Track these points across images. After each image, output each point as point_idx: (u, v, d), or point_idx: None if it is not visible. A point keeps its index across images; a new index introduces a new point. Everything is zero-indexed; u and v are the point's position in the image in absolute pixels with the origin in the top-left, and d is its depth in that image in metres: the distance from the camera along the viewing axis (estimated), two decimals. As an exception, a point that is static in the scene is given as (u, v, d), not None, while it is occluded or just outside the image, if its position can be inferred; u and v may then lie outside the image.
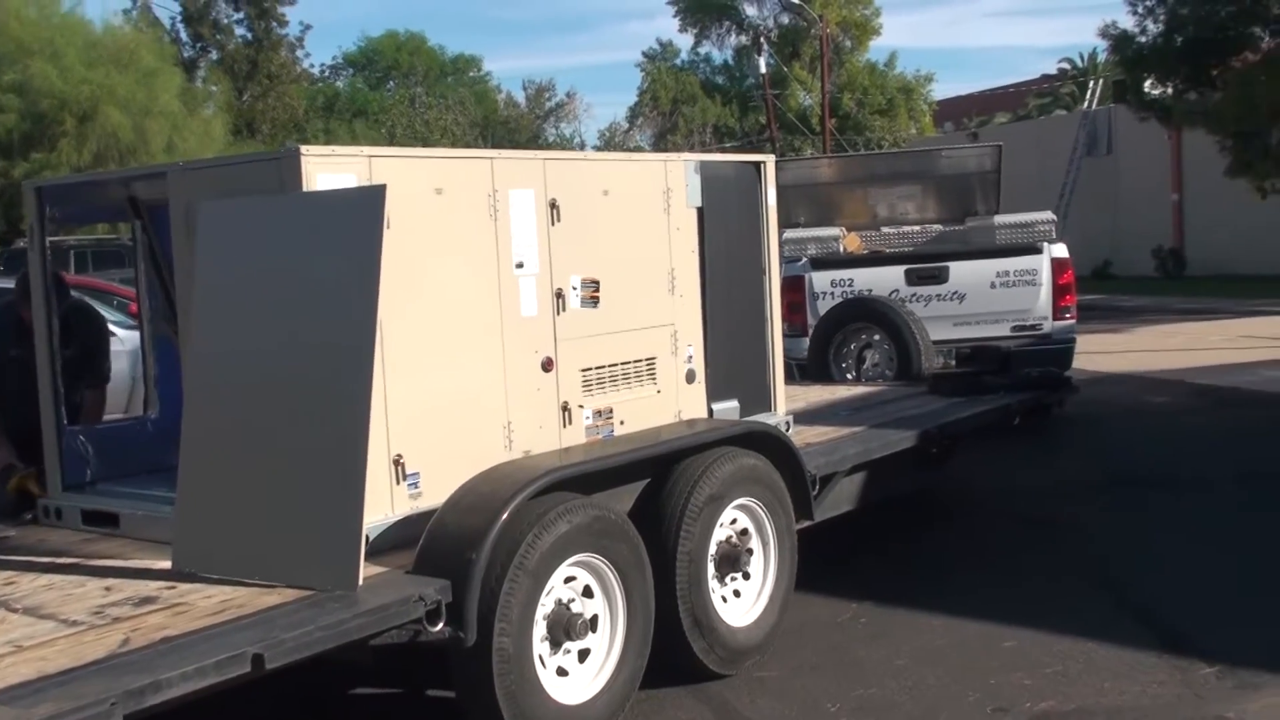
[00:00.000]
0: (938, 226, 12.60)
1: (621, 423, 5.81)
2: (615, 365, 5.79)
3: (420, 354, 4.91)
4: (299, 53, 67.23)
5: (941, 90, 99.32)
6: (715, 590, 5.44)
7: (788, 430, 6.72)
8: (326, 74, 76.50)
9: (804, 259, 10.69)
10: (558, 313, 5.49)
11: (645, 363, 5.96)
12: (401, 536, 4.68)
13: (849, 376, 9.62)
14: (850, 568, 6.87)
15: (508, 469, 4.83)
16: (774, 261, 6.71)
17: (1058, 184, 37.18)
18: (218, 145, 41.67)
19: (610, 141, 74.36)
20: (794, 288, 10.54)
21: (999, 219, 11.03)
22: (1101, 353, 16.21)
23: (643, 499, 5.37)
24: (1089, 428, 10.97)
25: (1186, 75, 24.42)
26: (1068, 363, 10.61)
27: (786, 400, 8.24)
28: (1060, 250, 10.54)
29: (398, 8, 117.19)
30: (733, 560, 5.49)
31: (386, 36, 76.14)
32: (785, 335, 10.62)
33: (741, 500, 5.55)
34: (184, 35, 61.71)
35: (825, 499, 6.31)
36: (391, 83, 75.04)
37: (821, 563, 6.78)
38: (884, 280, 10.43)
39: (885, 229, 12.76)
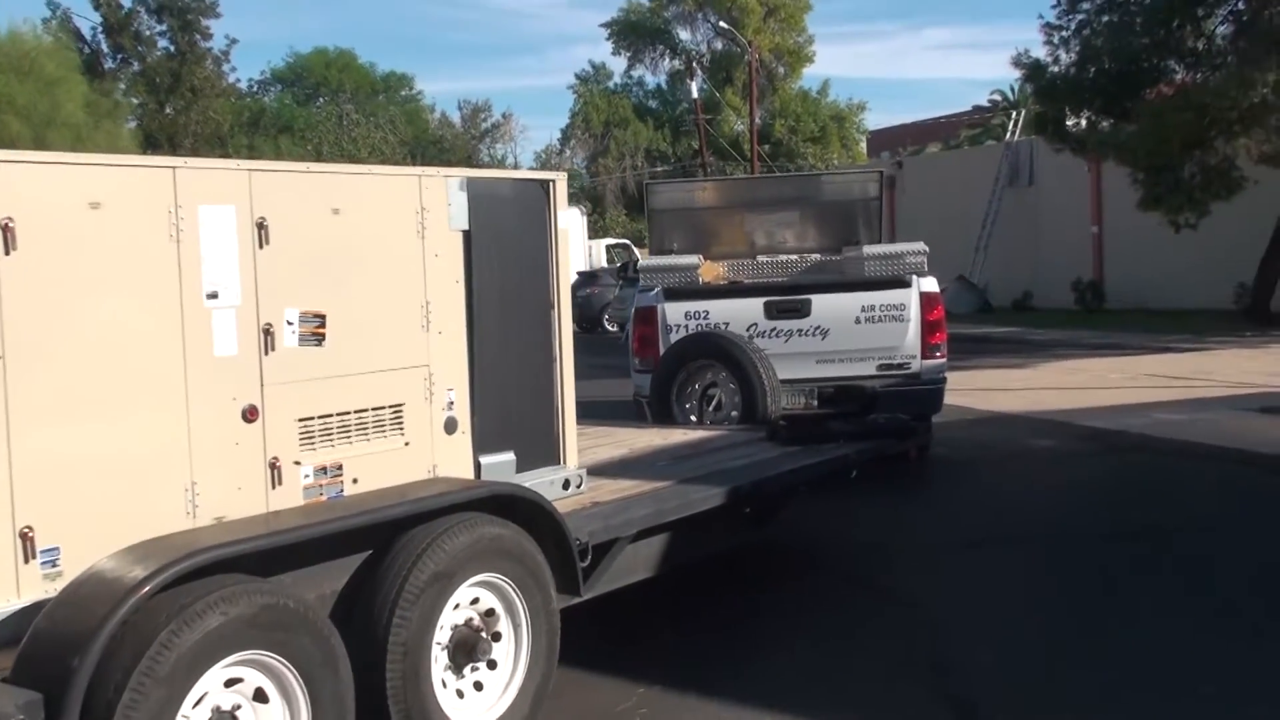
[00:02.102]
0: (816, 256, 11.86)
1: (355, 481, 4.95)
2: (347, 414, 4.93)
3: (65, 402, 4.03)
4: (225, 67, 66.11)
5: (878, 120, 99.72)
6: (448, 684, 4.59)
7: (577, 486, 5.90)
8: (255, 89, 75.24)
9: (657, 289, 9.89)
10: (265, 352, 4.63)
11: (389, 410, 5.11)
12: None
13: (693, 418, 8.83)
14: (646, 644, 6.04)
15: (152, 547, 3.94)
16: (564, 293, 5.89)
17: (980, 214, 36.87)
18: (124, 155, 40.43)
19: (545, 163, 73.70)
20: (645, 320, 9.74)
21: (867, 249, 10.30)
22: (999, 390, 15.58)
23: (358, 578, 4.51)
24: (959, 475, 10.25)
25: (1100, 107, 24.00)
26: (937, 405, 9.89)
27: (615, 446, 7.49)
28: (930, 284, 9.81)
29: (329, 25, 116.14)
30: (470, 648, 4.64)
31: (316, 53, 74.98)
32: (637, 370, 9.91)
33: (484, 577, 4.71)
34: (104, 46, 60.42)
35: (606, 569, 5.48)
36: (320, 99, 73.86)
37: (617, 635, 5.98)
38: (742, 313, 9.65)
39: (761, 258, 12.00)
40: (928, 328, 9.67)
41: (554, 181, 5.87)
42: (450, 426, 5.36)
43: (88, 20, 56.35)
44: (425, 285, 5.25)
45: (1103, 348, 21.51)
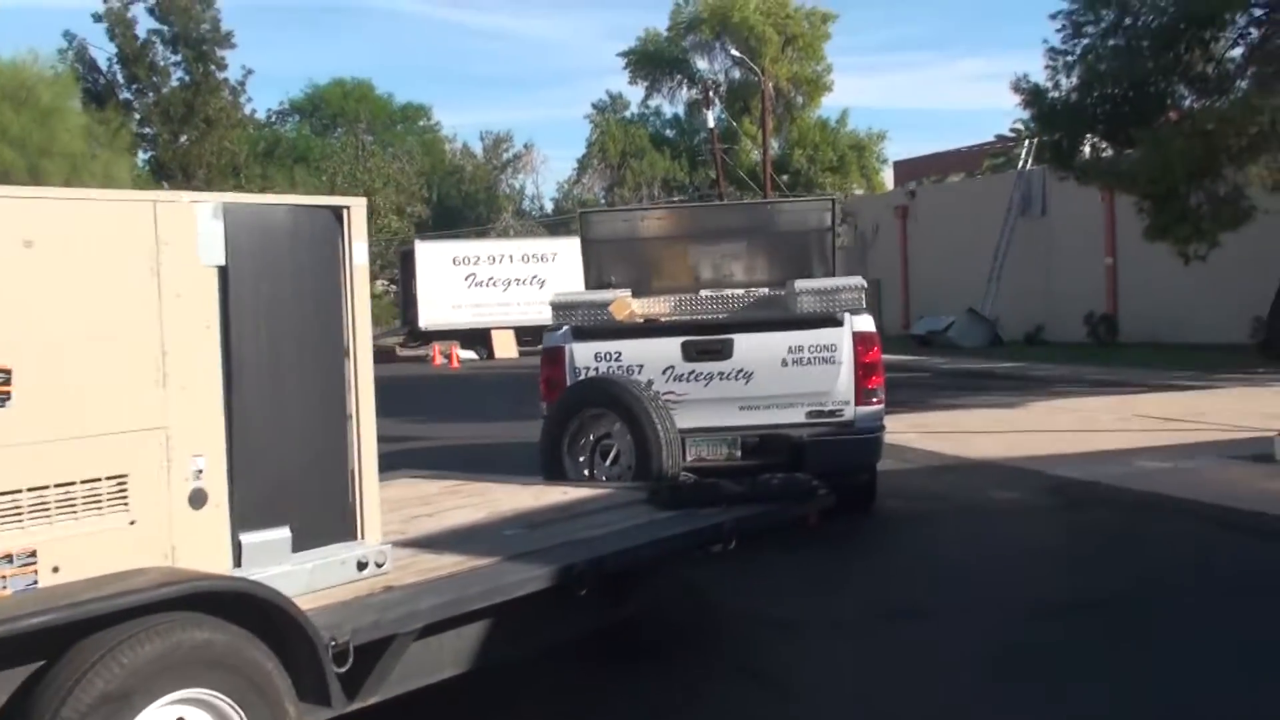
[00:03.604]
0: (764, 291, 10.99)
1: (55, 570, 4.08)
2: (40, 489, 4.07)
3: None
4: (241, 98, 65.97)
5: (907, 149, 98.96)
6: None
7: (377, 566, 5.02)
8: (273, 120, 75.08)
9: (565, 328, 9.00)
10: (-81, 416, 3.78)
11: (108, 482, 4.24)
12: None
13: (587, 473, 7.94)
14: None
15: None
16: (361, 338, 5.03)
17: (992, 245, 35.86)
18: (123, 187, 40.03)
19: (567, 195, 73.17)
20: (553, 361, 8.88)
21: (800, 284, 9.39)
22: (980, 432, 14.62)
23: (20, 697, 3.64)
24: (903, 531, 9.32)
25: (1103, 133, 23.02)
26: (873, 456, 8.96)
27: (476, 508, 6.63)
28: (865, 323, 8.88)
29: (346, 57, 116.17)
30: (165, 781, 3.76)
31: (333, 84, 74.78)
32: (544, 417, 9.03)
33: (186, 693, 3.82)
34: (120, 77, 60.40)
35: (389, 670, 4.59)
36: (338, 130, 73.60)
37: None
38: (657, 354, 8.76)
39: (705, 292, 11.12)
40: (862, 370, 8.74)
41: (348, 209, 5.01)
42: (198, 500, 4.49)
43: (104, 51, 56.21)
44: (162, 332, 4.39)
45: (1103, 385, 20.50)
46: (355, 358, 5.03)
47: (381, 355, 41.60)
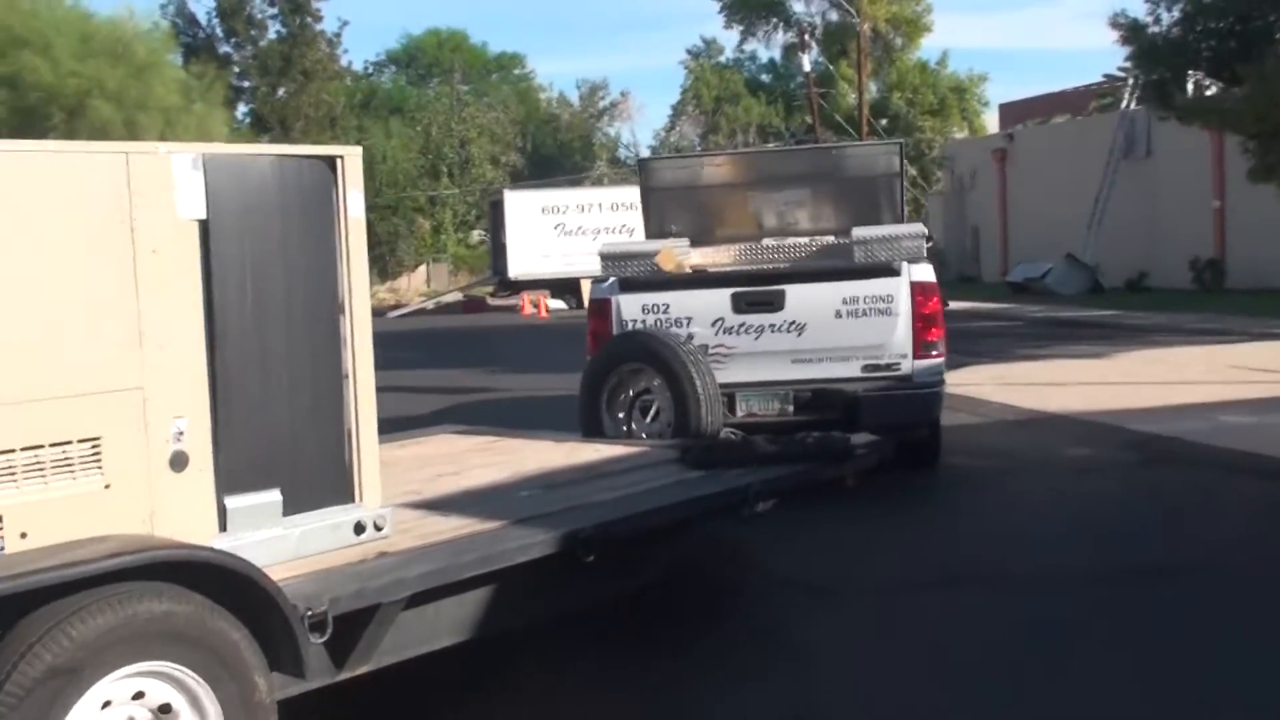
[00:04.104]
0: (829, 239, 10.61)
1: (24, 536, 3.95)
2: (9, 451, 3.93)
3: None
4: (338, 50, 66.43)
5: (1009, 92, 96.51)
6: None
7: (376, 530, 4.84)
8: (369, 72, 75.52)
9: (612, 279, 8.74)
10: None
11: (80, 445, 4.10)
12: None
13: (627, 430, 7.70)
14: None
15: None
16: (359, 294, 4.82)
17: (1095, 188, 34.73)
18: (218, 140, 40.51)
19: (664, 143, 72.61)
20: (599, 313, 8.62)
21: (857, 232, 8.99)
22: (1060, 385, 14.08)
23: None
24: (964, 492, 8.96)
25: (1207, 69, 22.03)
26: (932, 411, 8.58)
27: (501, 467, 6.45)
28: (924, 272, 8.47)
29: (441, 5, 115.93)
30: (127, 756, 3.63)
31: (428, 34, 74.91)
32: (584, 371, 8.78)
33: (145, 666, 3.68)
34: (219, 30, 61.21)
35: (376, 640, 4.42)
36: (434, 81, 73.73)
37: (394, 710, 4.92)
38: (706, 306, 8.45)
39: (768, 241, 10.78)
40: (921, 322, 8.36)
41: (341, 159, 4.80)
42: (179, 463, 4.33)
43: (203, 5, 56.93)
44: (137, 289, 4.22)
45: (1201, 334, 19.71)
46: (352, 314, 4.82)
47: (473, 305, 41.93)
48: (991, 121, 65.83)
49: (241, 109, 65.26)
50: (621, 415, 7.72)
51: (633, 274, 8.77)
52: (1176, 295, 29.14)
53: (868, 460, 6.42)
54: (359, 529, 4.82)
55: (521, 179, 61.29)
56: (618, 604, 5.81)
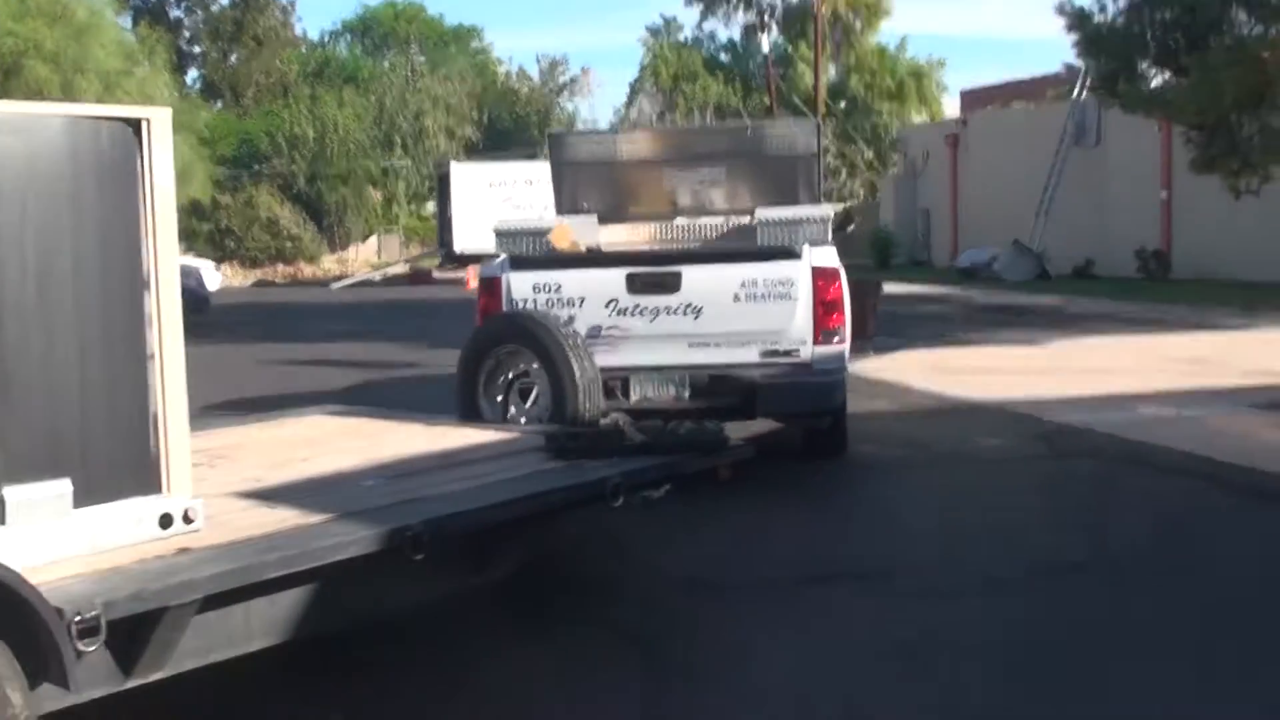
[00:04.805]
0: (746, 219, 10.31)
1: None
2: None
3: None
4: (292, 17, 65.60)
5: (969, 79, 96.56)
6: None
7: (186, 522, 4.47)
8: (326, 40, 74.49)
9: (503, 257, 8.38)
10: None
11: None
12: None
13: (508, 414, 7.37)
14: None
15: None
16: (165, 269, 4.44)
17: (1044, 175, 34.62)
18: (158, 104, 39.69)
19: (624, 120, 71.98)
20: (490, 292, 8.26)
21: (760, 213, 8.69)
22: (990, 371, 13.89)
23: None
24: (865, 484, 8.70)
25: (1154, 59, 21.84)
26: (833, 400, 8.28)
27: (356, 453, 6.09)
28: (826, 256, 8.16)
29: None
30: None
31: (385, 4, 73.89)
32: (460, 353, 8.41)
33: None
34: (170, -7, 60.20)
35: (168, 645, 4.06)
36: (390, 51, 72.76)
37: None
38: (599, 286, 8.10)
39: (680, 220, 10.46)
40: (822, 308, 8.05)
41: (146, 121, 4.41)
42: (-53, 449, 3.96)
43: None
44: (-106, 257, 3.84)
45: (1140, 323, 19.62)
46: (158, 290, 4.45)
47: (419, 277, 41.38)
48: (953, 108, 65.70)
49: (193, 75, 64.48)
50: (500, 399, 7.38)
51: (525, 252, 8.41)
52: (1122, 284, 29.07)
53: (743, 452, 6.11)
54: (165, 522, 4.45)
55: (477, 152, 60.56)
56: (468, 600, 5.49)
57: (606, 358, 8.10)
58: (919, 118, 63.11)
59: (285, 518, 4.78)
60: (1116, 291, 26.24)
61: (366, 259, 54.12)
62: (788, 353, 8.06)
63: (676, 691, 4.87)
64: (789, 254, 8.08)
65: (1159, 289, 26.92)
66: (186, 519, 4.51)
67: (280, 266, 49.95)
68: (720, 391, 8.08)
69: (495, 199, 37.96)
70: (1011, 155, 37.64)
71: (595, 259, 8.48)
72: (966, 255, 35.20)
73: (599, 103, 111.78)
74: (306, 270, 49.69)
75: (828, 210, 8.76)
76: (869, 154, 60.28)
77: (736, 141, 10.88)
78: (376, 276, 43.50)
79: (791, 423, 8.95)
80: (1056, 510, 7.64)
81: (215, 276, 35.89)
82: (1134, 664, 4.93)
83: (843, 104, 63.12)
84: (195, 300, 23.80)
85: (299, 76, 64.18)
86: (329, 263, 51.78)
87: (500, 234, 8.68)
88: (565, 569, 6.21)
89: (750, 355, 8.08)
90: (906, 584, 6.12)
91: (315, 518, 4.77)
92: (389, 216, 59.50)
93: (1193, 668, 4.89)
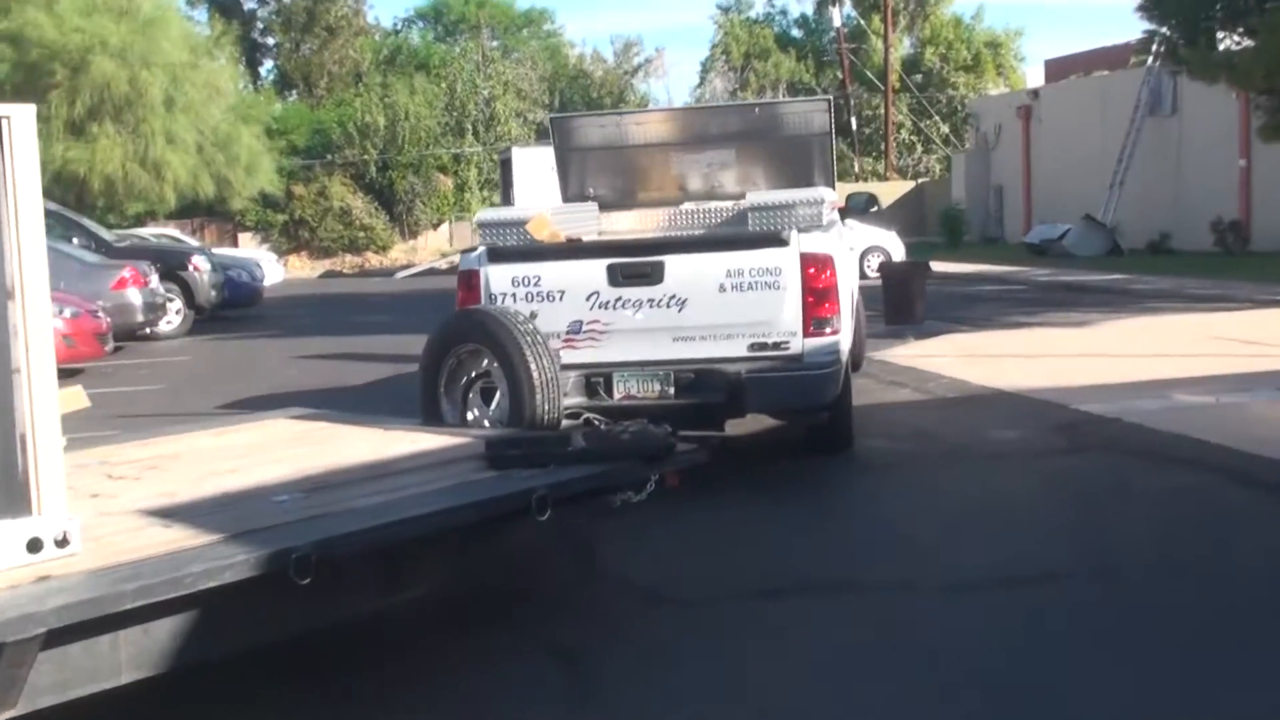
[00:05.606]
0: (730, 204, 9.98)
1: None
2: None
3: None
4: (364, 5, 65.90)
5: (1049, 48, 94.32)
6: None
7: (58, 545, 4.23)
8: (399, 28, 74.79)
9: (482, 249, 8.06)
10: None
11: None
12: None
13: (470, 417, 7.07)
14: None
15: None
16: (31, 278, 4.20)
17: (1119, 147, 33.58)
18: (228, 97, 39.99)
19: (699, 100, 71.40)
20: (468, 286, 7.96)
21: (751, 197, 8.28)
22: (1028, 356, 13.33)
23: None
24: (863, 481, 8.28)
25: (1221, 21, 20.92)
26: (825, 394, 7.85)
27: (293, 462, 5.84)
28: (816, 242, 7.71)
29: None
30: None
31: (456, -11, 73.93)
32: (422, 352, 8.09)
33: None
34: (243, -14, 60.74)
35: (11, 681, 3.81)
36: (462, 36, 72.81)
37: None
38: (580, 278, 7.75)
39: (687, 206, 10.11)
40: (813, 297, 7.63)
41: (6, 119, 4.15)
42: None
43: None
44: None
45: (1203, 300, 18.83)
46: (23, 301, 4.20)
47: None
48: (1037, 78, 64.15)
49: (267, 66, 65.15)
50: (462, 401, 7.08)
51: (503, 243, 8.10)
52: (1198, 258, 28.10)
53: (694, 458, 5.74)
54: (34, 546, 4.21)
55: (548, 137, 60.35)
56: (396, 619, 5.21)
57: (588, 353, 7.81)
58: (996, 90, 61.82)
59: (174, 539, 4.52)
60: (1189, 267, 25.33)
61: (438, 247, 54.25)
62: (777, 345, 7.66)
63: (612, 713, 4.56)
64: (776, 241, 7.66)
65: (1234, 264, 25.95)
66: (60, 542, 4.28)
67: (349, 257, 50.26)
68: (706, 387, 7.72)
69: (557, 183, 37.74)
70: (1086, 126, 36.60)
71: (575, 249, 8.14)
72: (1037, 231, 34.30)
73: (674, 83, 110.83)
74: (374, 260, 49.96)
75: (822, 193, 8.33)
76: (944, 128, 59.23)
77: (746, 122, 10.52)
78: (442, 264, 43.52)
79: (789, 419, 8.55)
80: (1050, 513, 7.14)
81: (276, 268, 36.08)
82: (1097, 679, 4.50)
83: (918, 77, 62.02)
84: (246, 292, 23.97)
85: (371, 65, 64.48)
86: (400, 251, 51.98)
87: (482, 225, 8.38)
88: (521, 580, 5.90)
89: (738, 349, 7.70)
90: (864, 596, 5.73)
91: (204, 539, 4.50)
92: (461, 203, 59.62)
93: (1164, 693, 4.46)
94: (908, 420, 9.90)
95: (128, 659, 4.21)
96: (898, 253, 25.79)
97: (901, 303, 16.67)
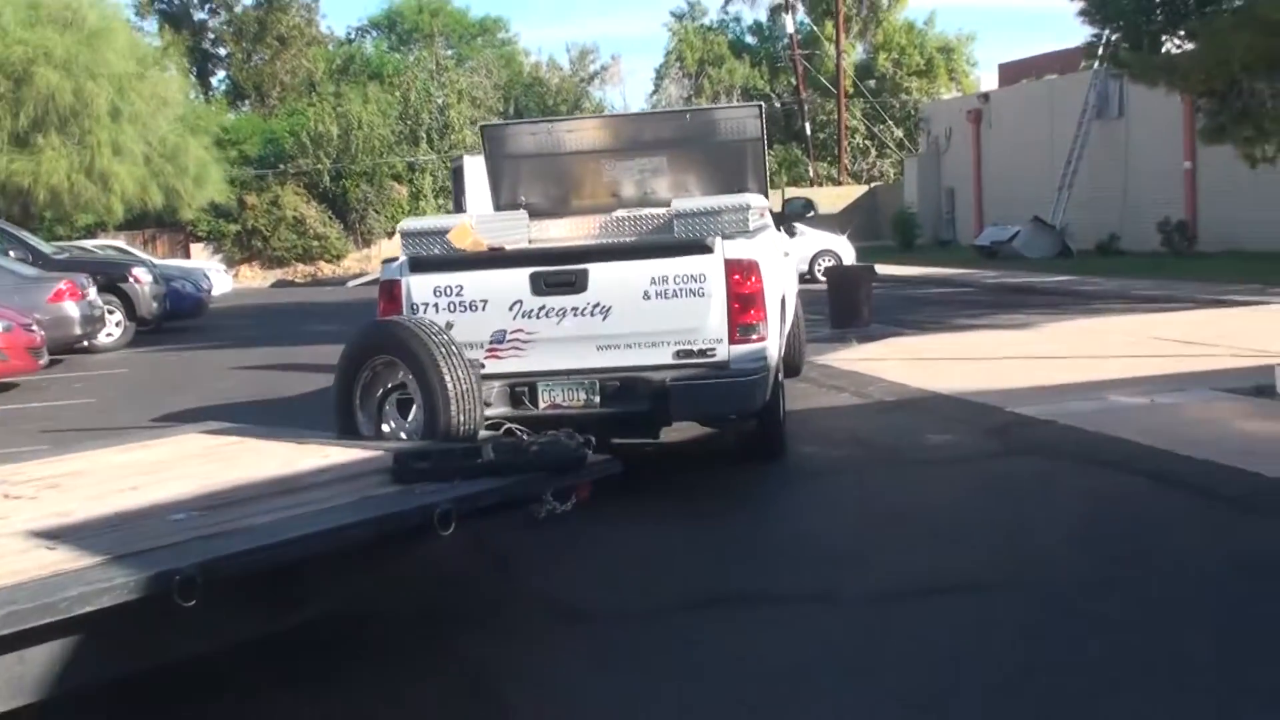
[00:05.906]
0: (659, 211, 9.88)
1: None
2: None
3: None
4: (315, 15, 65.51)
5: (1002, 53, 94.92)
6: None
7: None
8: (351, 37, 74.35)
9: (403, 259, 7.93)
10: None
11: None
12: None
13: (386, 428, 6.94)
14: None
15: None
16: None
17: (1067, 149, 33.78)
18: (176, 108, 39.59)
19: (653, 106, 71.35)
20: (389, 296, 7.82)
21: (676, 204, 8.20)
22: (966, 359, 13.31)
23: None
24: (788, 492, 8.17)
25: (1161, 24, 21.07)
26: (752, 401, 7.74)
27: (199, 479, 5.69)
28: (741, 248, 7.61)
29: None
30: None
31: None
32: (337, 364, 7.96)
33: None
34: (193, -4, 60.26)
35: None
36: (416, 45, 72.48)
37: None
38: (503, 287, 7.63)
39: (619, 213, 10.00)
40: (738, 303, 7.54)
41: None
42: None
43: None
44: None
45: (1147, 301, 18.94)
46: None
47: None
48: (992, 83, 64.48)
49: (219, 76, 64.64)
50: (378, 413, 6.94)
51: (426, 253, 7.97)
52: (1145, 259, 28.31)
53: (607, 469, 5.63)
54: (-94, 569, 4.07)
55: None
56: (296, 638, 5.06)
57: (513, 363, 7.70)
58: (949, 94, 62.12)
59: (56, 561, 4.37)
60: (1136, 268, 25.49)
61: (391, 255, 53.98)
62: (702, 352, 7.57)
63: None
64: (700, 247, 7.57)
65: (1181, 264, 26.14)
66: (-66, 566, 4.12)
67: (302, 266, 49.92)
68: (632, 396, 7.61)
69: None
70: (1035, 129, 36.85)
71: (498, 259, 8.01)
72: (987, 233, 34.48)
73: (629, 90, 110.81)
74: (327, 269, 49.64)
75: (749, 199, 8.26)
76: (898, 133, 59.42)
77: (678, 128, 10.44)
78: (395, 273, 43.27)
79: (718, 426, 8.47)
80: (978, 520, 7.05)
81: (224, 279, 35.71)
82: (1015, 691, 4.43)
83: (871, 82, 62.23)
84: (190, 303, 23.68)
85: (324, 74, 64.08)
86: (353, 260, 51.69)
87: (404, 234, 8.25)
88: (424, 598, 5.77)
89: (663, 356, 7.60)
90: (784, 608, 5.64)
91: (87, 560, 4.35)
92: (415, 211, 59.30)
93: (1082, 704, 4.38)
94: (844, 425, 9.85)
95: (3, 686, 4.05)
96: (848, 257, 25.85)
97: (847, 306, 16.64)
